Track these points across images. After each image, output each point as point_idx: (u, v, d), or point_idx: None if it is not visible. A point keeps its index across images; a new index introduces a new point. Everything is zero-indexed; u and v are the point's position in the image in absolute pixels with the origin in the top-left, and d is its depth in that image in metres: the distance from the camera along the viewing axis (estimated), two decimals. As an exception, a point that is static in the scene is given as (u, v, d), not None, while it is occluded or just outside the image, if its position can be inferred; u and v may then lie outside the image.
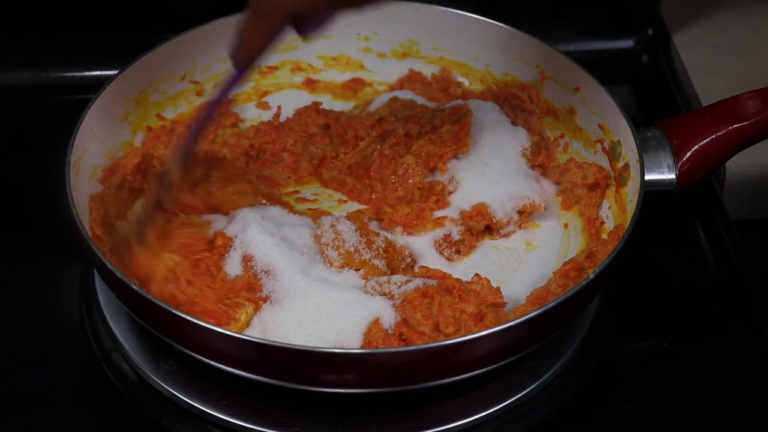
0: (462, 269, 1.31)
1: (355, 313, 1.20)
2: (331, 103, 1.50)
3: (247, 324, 1.21)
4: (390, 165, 1.38)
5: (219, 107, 1.22)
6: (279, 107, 1.47)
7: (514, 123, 1.43)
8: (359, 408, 1.20)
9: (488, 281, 1.25)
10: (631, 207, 1.27)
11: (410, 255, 1.31)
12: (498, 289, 1.24)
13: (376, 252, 1.28)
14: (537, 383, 1.23)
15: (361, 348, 1.17)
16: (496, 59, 1.48)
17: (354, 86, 1.52)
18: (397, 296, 1.21)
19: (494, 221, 1.34)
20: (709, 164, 1.31)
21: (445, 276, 1.26)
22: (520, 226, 1.35)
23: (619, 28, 1.68)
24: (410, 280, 1.23)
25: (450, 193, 1.36)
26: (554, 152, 1.42)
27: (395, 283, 1.22)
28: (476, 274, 1.26)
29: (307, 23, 1.11)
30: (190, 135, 1.25)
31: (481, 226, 1.34)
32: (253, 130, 1.44)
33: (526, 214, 1.35)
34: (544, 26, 1.48)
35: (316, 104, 1.46)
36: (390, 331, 1.18)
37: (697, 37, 1.64)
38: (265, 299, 1.21)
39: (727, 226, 1.40)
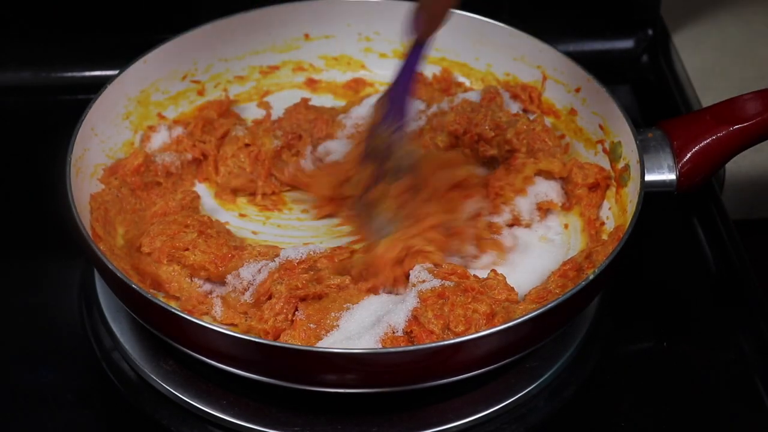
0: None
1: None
2: (332, 104, 1.50)
3: None
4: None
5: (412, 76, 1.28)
6: (270, 106, 1.47)
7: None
8: (359, 408, 1.20)
9: (504, 278, 1.25)
10: (631, 208, 1.27)
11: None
12: (512, 287, 1.24)
13: None
14: (537, 383, 1.23)
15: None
16: (497, 60, 1.48)
17: (355, 86, 1.52)
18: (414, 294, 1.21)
19: (520, 217, 1.34)
20: (709, 165, 1.31)
21: (465, 275, 1.25)
22: (540, 220, 1.35)
23: (619, 28, 1.68)
24: (429, 280, 1.23)
25: None
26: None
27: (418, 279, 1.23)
28: (492, 270, 1.26)
29: None
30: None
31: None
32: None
33: (543, 211, 1.35)
34: (544, 27, 1.48)
35: (305, 100, 1.46)
36: (399, 333, 1.18)
37: (697, 37, 1.64)
38: None
39: (727, 226, 1.40)
